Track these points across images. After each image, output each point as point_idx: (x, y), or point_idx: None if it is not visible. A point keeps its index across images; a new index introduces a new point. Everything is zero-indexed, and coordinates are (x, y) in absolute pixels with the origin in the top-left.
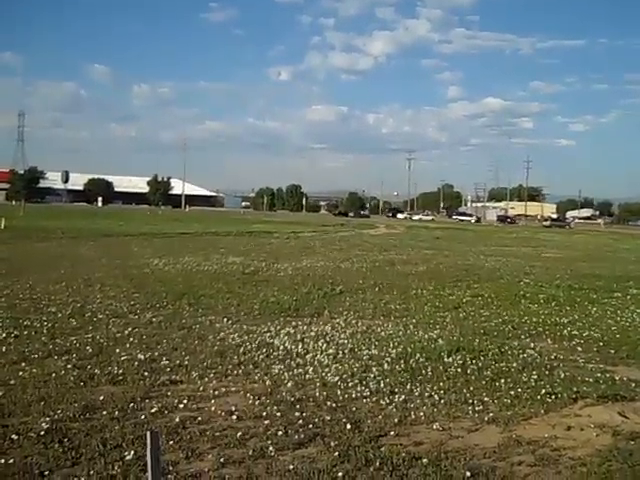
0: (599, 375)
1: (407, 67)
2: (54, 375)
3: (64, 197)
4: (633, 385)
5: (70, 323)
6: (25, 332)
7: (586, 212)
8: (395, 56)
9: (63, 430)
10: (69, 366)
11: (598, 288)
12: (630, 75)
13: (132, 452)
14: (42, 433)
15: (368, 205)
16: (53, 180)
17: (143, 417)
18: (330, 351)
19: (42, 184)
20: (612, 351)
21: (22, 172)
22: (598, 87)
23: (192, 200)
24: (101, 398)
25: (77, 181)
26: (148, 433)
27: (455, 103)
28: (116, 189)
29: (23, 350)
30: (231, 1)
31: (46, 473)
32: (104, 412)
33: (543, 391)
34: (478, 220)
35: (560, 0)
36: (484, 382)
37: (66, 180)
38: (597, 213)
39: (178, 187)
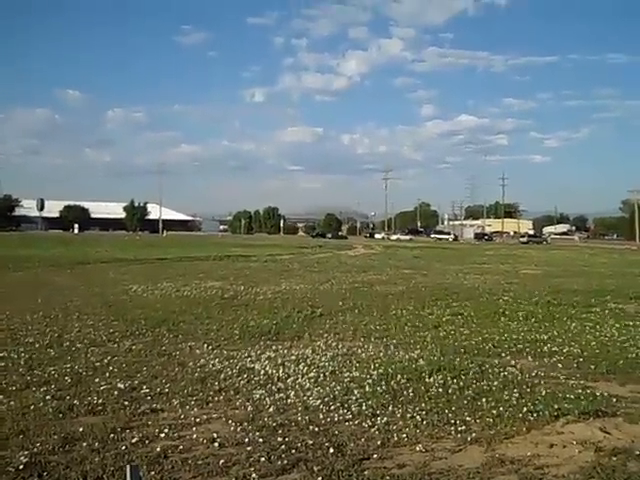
0: (580, 391)
1: (381, 86)
2: (32, 407)
3: (40, 225)
4: (614, 400)
5: (48, 353)
6: (2, 363)
7: (562, 227)
8: (369, 76)
9: (42, 463)
10: (48, 397)
11: (576, 303)
12: (602, 90)
13: None
14: (21, 467)
15: (345, 226)
16: (28, 208)
17: (124, 447)
18: (311, 374)
19: (17, 212)
20: (592, 367)
21: None
22: (571, 103)
23: (169, 225)
24: (81, 429)
25: (53, 208)
26: (127, 467)
27: (430, 121)
28: (92, 215)
29: (0, 382)
30: (204, 23)
31: None
32: (84, 443)
33: (525, 409)
34: (455, 238)
35: (532, 17)
36: (466, 402)
37: (41, 207)
38: (573, 228)
39: (155, 212)
